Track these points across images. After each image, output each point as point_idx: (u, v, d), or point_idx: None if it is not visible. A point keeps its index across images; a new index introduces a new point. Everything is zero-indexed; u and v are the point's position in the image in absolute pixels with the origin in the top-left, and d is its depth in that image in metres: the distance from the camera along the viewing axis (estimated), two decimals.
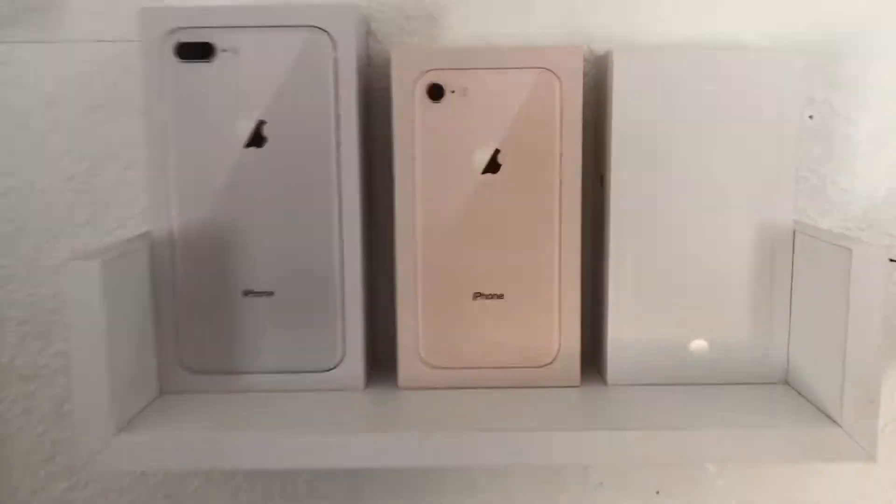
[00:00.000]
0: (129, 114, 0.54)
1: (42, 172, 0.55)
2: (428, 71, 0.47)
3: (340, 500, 0.58)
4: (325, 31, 0.47)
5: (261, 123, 0.47)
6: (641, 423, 0.45)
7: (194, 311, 0.49)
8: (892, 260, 0.54)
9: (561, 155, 0.48)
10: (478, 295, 0.49)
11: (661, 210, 0.48)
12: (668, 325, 0.49)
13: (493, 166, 0.48)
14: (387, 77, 0.48)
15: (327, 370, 0.50)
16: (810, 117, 0.54)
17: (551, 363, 0.50)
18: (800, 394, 0.48)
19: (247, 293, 0.49)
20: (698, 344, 0.50)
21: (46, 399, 0.56)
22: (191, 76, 0.47)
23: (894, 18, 0.53)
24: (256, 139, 0.47)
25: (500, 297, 0.49)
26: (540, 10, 0.53)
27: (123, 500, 0.58)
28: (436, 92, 0.47)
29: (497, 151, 0.48)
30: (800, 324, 0.48)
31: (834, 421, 0.44)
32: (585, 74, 0.53)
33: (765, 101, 0.48)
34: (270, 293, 0.49)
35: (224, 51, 0.47)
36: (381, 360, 0.53)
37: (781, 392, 0.49)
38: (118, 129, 0.54)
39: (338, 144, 0.48)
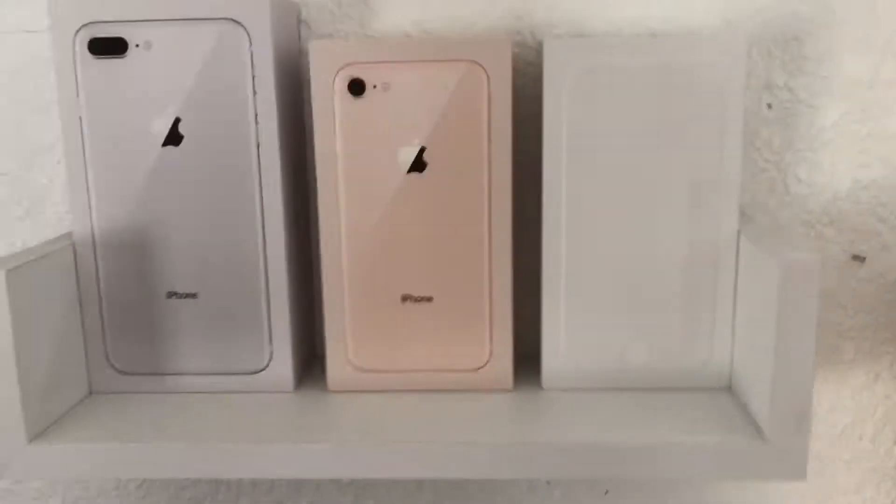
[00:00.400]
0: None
1: None
2: (347, 65, 0.45)
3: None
4: (240, 24, 0.45)
5: (177, 121, 0.46)
6: (570, 431, 0.43)
7: (120, 312, 0.48)
8: (855, 257, 0.51)
9: (489, 153, 0.45)
10: (406, 297, 0.47)
11: (596, 209, 0.46)
12: (606, 328, 0.47)
13: (418, 165, 0.46)
14: None
15: (255, 372, 0.49)
16: (769, 106, 0.51)
17: (483, 367, 0.48)
18: (740, 403, 0.46)
19: (170, 295, 0.48)
20: (635, 347, 0.48)
21: None
22: (105, 72, 0.46)
23: None
24: (173, 137, 0.46)
25: (429, 299, 0.47)
26: None
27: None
28: (356, 87, 0.45)
29: (423, 149, 0.46)
30: (744, 329, 0.46)
31: (763, 436, 0.42)
32: (528, 65, 0.50)
33: (706, 90, 0.45)
34: (194, 295, 0.48)
35: (137, 46, 0.45)
36: (320, 361, 0.52)
37: (722, 400, 0.47)
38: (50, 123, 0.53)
39: (258, 143, 0.46)
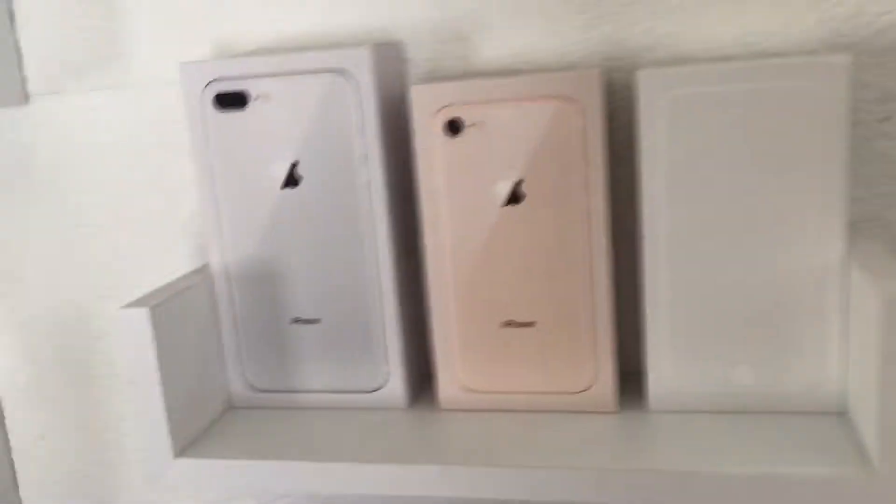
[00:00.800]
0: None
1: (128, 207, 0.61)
2: (445, 106, 0.47)
3: None
4: (344, 74, 0.48)
5: (294, 165, 0.50)
6: (674, 457, 0.44)
7: (253, 336, 0.53)
8: None
9: (586, 183, 0.47)
10: (509, 322, 0.49)
11: (698, 235, 0.46)
12: (713, 349, 0.47)
13: (515, 197, 0.48)
14: None
15: (372, 391, 0.52)
16: (882, 120, 0.48)
17: (586, 390, 0.50)
18: (854, 429, 0.45)
19: (295, 320, 0.52)
20: (742, 369, 0.47)
21: None
22: (229, 123, 0.50)
23: None
24: (291, 180, 0.50)
25: (531, 324, 0.49)
26: (562, 21, 0.51)
27: None
28: (453, 127, 0.47)
29: (519, 182, 0.47)
30: (856, 352, 0.45)
31: (872, 466, 0.41)
32: (626, 89, 0.51)
33: (805, 115, 0.43)
34: (317, 320, 0.52)
35: (257, 98, 0.49)
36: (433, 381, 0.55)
37: (834, 426, 0.46)
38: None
39: (368, 182, 0.49)
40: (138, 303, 0.48)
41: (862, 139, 0.49)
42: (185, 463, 0.49)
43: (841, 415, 0.46)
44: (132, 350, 0.47)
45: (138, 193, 0.60)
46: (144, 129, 0.59)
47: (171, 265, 0.61)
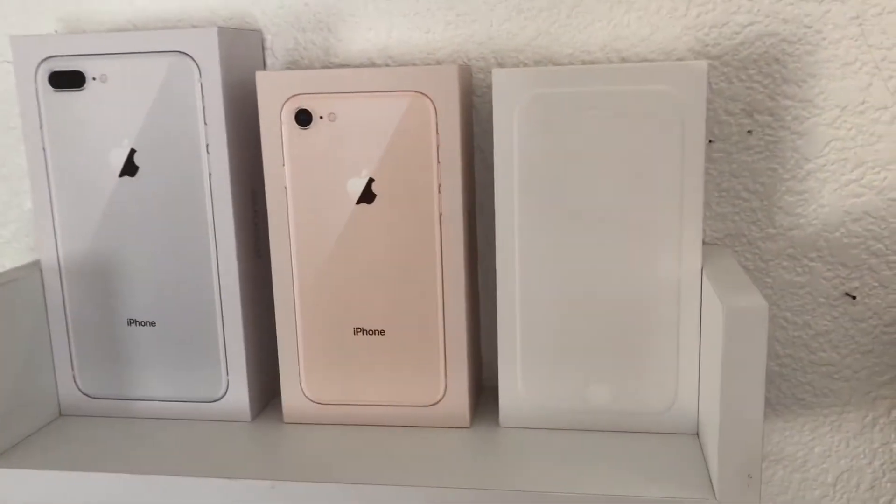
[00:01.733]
0: None
1: None
2: (294, 95, 0.44)
3: None
4: (189, 56, 0.45)
5: (133, 152, 0.46)
6: (524, 475, 0.42)
7: (86, 338, 0.49)
8: (847, 294, 0.48)
9: (439, 184, 0.44)
10: (358, 330, 0.47)
11: (552, 243, 0.44)
12: (564, 367, 0.45)
13: (367, 196, 0.45)
14: None
15: (213, 401, 0.49)
16: (749, 132, 0.47)
17: (438, 402, 0.47)
18: (703, 451, 0.43)
19: (131, 322, 0.48)
20: (595, 388, 0.45)
21: None
22: (65, 104, 0.46)
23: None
24: (129, 168, 0.46)
25: (382, 332, 0.46)
26: (442, 19, 0.49)
27: None
28: (303, 118, 0.44)
29: (371, 180, 0.45)
30: (705, 376, 0.43)
31: (714, 493, 0.39)
32: (480, 97, 0.49)
33: (663, 122, 0.42)
34: (153, 322, 0.48)
35: (94, 79, 0.46)
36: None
37: (686, 447, 0.44)
38: None
39: (209, 173, 0.46)
40: None
41: (726, 153, 0.48)
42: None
43: (697, 435, 0.45)
44: None
45: None
46: None
47: (12, 261, 0.56)
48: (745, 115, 0.47)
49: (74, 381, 0.50)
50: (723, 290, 0.39)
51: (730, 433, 0.38)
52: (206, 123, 0.45)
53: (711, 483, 0.40)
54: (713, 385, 0.39)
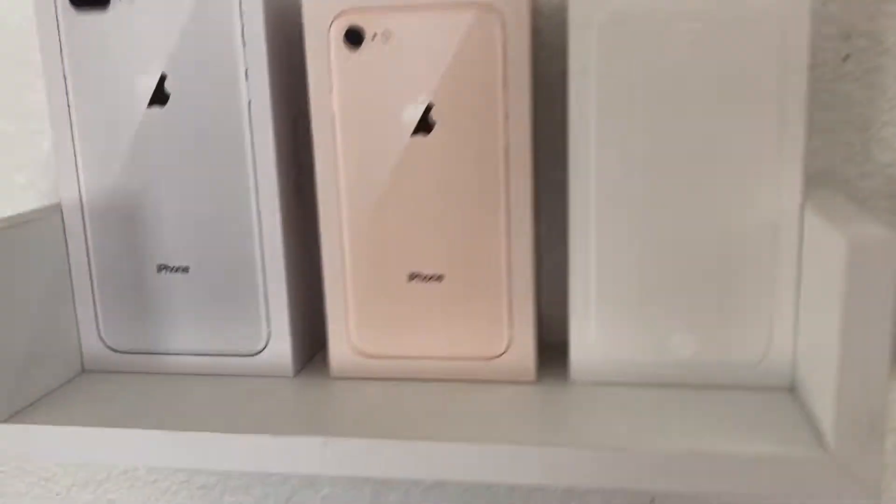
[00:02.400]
0: None
1: None
2: (343, 12, 0.40)
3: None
4: None
5: (163, 79, 0.42)
6: (597, 434, 0.37)
7: (111, 287, 0.45)
8: None
9: (506, 112, 0.40)
10: (414, 276, 0.42)
11: (632, 178, 0.39)
12: (643, 315, 0.41)
13: (424, 125, 0.40)
14: None
15: (251, 355, 0.45)
16: (845, 58, 0.43)
17: (501, 355, 0.43)
18: (803, 406, 0.39)
19: (161, 268, 0.44)
20: (678, 337, 0.41)
21: None
22: (87, 27, 0.42)
23: None
24: (159, 97, 0.42)
25: (440, 278, 0.42)
26: None
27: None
28: (353, 38, 0.40)
29: (430, 107, 0.40)
30: (809, 319, 0.39)
31: (826, 446, 0.35)
32: (548, 18, 0.44)
33: (762, 43, 0.37)
34: (185, 269, 0.44)
35: None
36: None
37: (782, 402, 0.39)
38: None
39: (249, 101, 0.41)
40: None
41: (818, 81, 0.43)
42: (14, 429, 0.40)
43: (791, 390, 0.40)
44: None
45: None
46: None
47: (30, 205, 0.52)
48: (841, 39, 0.43)
49: (99, 334, 0.46)
50: (841, 223, 0.34)
51: (850, 381, 0.33)
52: (244, 45, 0.41)
53: (821, 438, 0.35)
54: (825, 330, 0.35)
